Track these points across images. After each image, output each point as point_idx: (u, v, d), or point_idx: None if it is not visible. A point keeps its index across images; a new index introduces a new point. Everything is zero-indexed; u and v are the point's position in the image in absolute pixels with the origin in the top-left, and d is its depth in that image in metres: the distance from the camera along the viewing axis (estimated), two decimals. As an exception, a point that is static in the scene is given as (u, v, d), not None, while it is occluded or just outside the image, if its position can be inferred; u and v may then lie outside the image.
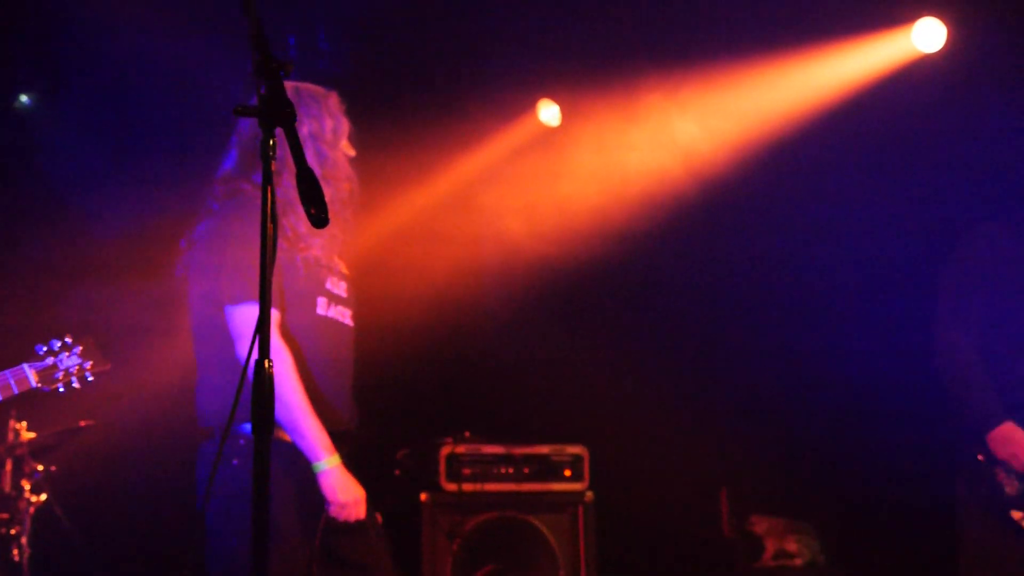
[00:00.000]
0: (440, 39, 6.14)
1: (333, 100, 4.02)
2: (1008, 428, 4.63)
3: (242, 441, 3.71)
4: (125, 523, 5.99)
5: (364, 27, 6.14)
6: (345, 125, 4.01)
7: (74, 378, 4.27)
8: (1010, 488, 4.62)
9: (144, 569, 6.03)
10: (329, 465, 3.75)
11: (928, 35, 5.80)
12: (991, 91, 5.70)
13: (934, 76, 5.85)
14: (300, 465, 3.76)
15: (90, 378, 4.31)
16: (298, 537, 3.79)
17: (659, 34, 5.98)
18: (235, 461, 3.71)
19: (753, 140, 6.22)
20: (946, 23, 5.79)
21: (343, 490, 3.78)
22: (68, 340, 4.29)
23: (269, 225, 2.53)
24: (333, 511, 3.80)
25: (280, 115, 2.54)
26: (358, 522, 3.87)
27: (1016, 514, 4.60)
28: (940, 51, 5.81)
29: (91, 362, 4.30)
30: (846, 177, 6.33)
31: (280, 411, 3.67)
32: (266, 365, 2.51)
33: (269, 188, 2.54)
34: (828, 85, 5.97)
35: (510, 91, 6.47)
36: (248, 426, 3.62)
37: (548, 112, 6.56)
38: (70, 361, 4.27)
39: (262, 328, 2.51)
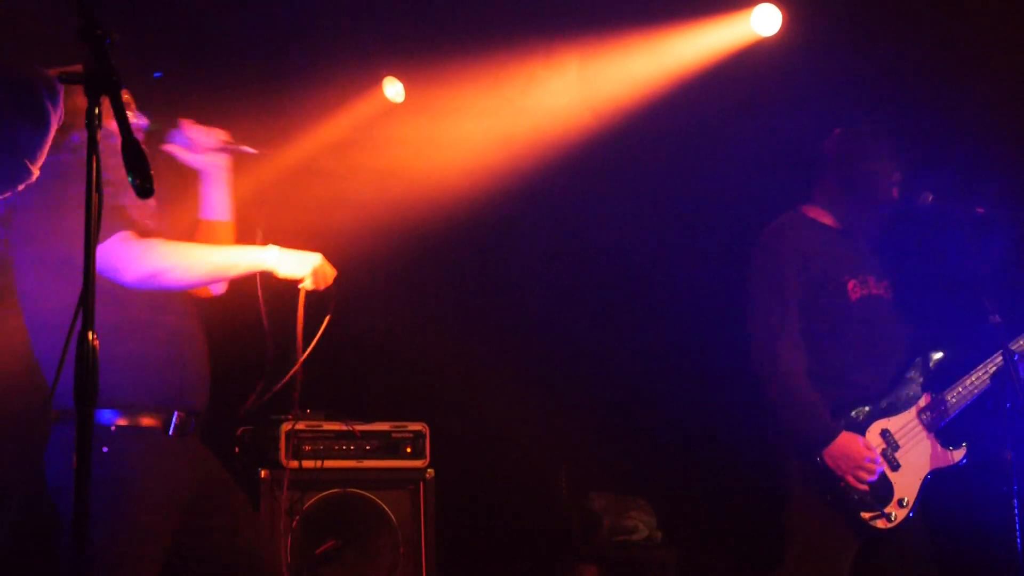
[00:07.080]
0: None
1: None
2: (844, 440, 4.40)
3: (113, 428, 3.63)
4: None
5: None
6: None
7: None
8: (857, 494, 4.42)
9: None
10: (272, 251, 3.85)
11: (765, 19, 5.90)
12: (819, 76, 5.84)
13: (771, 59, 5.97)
14: (162, 450, 3.70)
15: None
16: (162, 530, 3.71)
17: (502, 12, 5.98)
18: (105, 448, 3.60)
19: (597, 119, 6.27)
20: (782, 9, 5.90)
21: (299, 260, 3.91)
22: None
23: (94, 195, 2.48)
24: (310, 284, 3.94)
25: (106, 83, 2.50)
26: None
27: (866, 515, 4.43)
28: (777, 35, 5.94)
29: None
30: (686, 162, 6.42)
31: (191, 271, 3.73)
32: (90, 337, 2.46)
33: (94, 157, 2.49)
34: (670, 66, 6.05)
35: (354, 66, 6.41)
36: (109, 413, 3.60)
37: (392, 88, 6.53)
38: None
39: (85, 300, 2.46)
